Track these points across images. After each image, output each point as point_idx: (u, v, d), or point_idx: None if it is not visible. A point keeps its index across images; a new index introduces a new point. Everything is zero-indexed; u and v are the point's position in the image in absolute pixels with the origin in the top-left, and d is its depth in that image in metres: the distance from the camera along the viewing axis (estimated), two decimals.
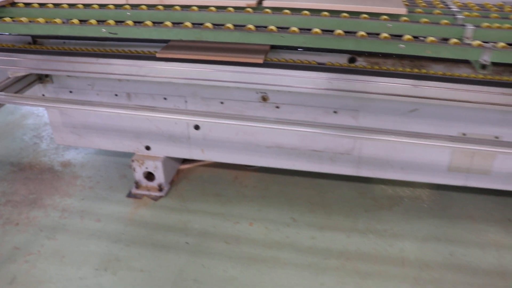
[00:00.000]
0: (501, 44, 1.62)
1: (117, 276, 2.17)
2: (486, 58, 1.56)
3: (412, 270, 2.24)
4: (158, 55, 1.97)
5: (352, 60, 2.14)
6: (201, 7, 2.06)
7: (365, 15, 1.87)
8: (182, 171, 2.95)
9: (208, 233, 2.44)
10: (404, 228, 2.51)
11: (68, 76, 2.44)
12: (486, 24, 1.83)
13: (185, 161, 2.99)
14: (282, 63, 1.95)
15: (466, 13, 2.13)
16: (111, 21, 1.92)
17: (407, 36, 1.76)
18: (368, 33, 1.80)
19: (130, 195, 2.71)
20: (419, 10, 2.18)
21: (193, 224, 2.50)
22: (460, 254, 2.35)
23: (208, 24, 1.88)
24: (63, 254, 2.28)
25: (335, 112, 2.30)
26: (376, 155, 2.41)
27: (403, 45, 1.63)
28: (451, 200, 2.74)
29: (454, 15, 2.12)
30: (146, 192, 2.70)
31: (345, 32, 1.83)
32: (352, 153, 2.43)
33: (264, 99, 2.33)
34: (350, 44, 1.70)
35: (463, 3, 2.46)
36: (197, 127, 2.51)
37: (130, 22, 1.86)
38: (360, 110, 2.28)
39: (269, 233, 2.45)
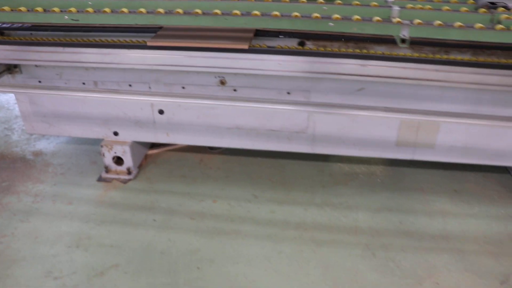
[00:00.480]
0: (417, 21, 1.83)
1: (88, 251, 2.32)
2: (405, 33, 1.77)
3: (364, 237, 2.45)
4: (149, 43, 2.14)
5: (301, 44, 2.34)
6: None
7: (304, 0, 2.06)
8: (150, 156, 3.10)
9: (174, 211, 2.60)
10: (358, 201, 2.71)
11: (36, 66, 2.57)
12: (410, 5, 2.04)
13: (153, 146, 3.15)
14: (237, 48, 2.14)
15: None
16: (73, 9, 2.07)
17: (336, 16, 1.96)
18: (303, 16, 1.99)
19: (100, 179, 2.86)
20: None
21: (160, 203, 2.66)
22: (409, 222, 2.57)
23: (161, 10, 2.06)
24: (36, 235, 2.42)
25: (288, 93, 2.49)
26: (329, 132, 2.61)
27: (332, 23, 1.82)
28: (403, 175, 2.97)
29: None
30: (116, 176, 2.85)
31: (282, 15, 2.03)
32: (307, 131, 2.62)
33: (222, 83, 2.51)
34: (285, 24, 1.89)
35: None
36: (161, 112, 2.67)
37: (90, 10, 2.01)
38: (312, 91, 2.47)
39: (231, 209, 2.63)
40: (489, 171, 2.99)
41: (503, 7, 2.12)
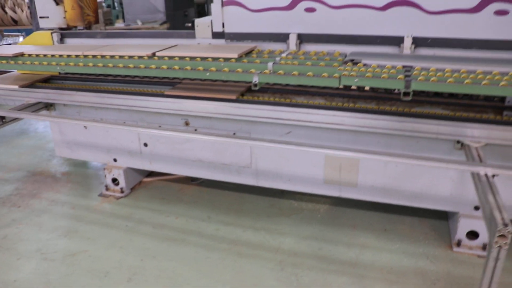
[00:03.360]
0: (266, 71, 2.55)
1: (71, 240, 3.22)
2: (256, 79, 2.50)
3: (281, 256, 3.01)
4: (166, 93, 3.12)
5: (243, 94, 3.15)
6: (121, 56, 3.15)
7: (210, 59, 2.85)
8: (144, 182, 4.02)
9: (143, 221, 3.43)
10: (292, 230, 3.29)
11: (64, 105, 3.70)
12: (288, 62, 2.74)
13: (149, 175, 4.06)
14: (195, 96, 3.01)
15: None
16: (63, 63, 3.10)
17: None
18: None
19: (101, 194, 3.82)
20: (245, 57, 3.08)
21: (136, 215, 3.51)
22: (327, 249, 3.07)
23: (131, 65, 3.02)
24: (41, 226, 3.40)
25: (234, 133, 3.27)
26: (268, 168, 3.29)
27: (208, 73, 2.60)
28: (343, 213, 3.47)
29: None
30: (112, 193, 3.80)
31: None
32: (251, 166, 3.33)
33: (187, 123, 3.38)
34: (180, 74, 2.71)
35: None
36: (146, 145, 3.60)
37: (80, 64, 3.04)
38: (252, 132, 3.22)
39: (187, 224, 3.37)
40: (427, 217, 3.36)
41: (359, 63, 2.68)
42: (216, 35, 3.27)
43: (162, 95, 3.11)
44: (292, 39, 3.00)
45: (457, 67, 2.49)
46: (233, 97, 2.89)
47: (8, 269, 2.94)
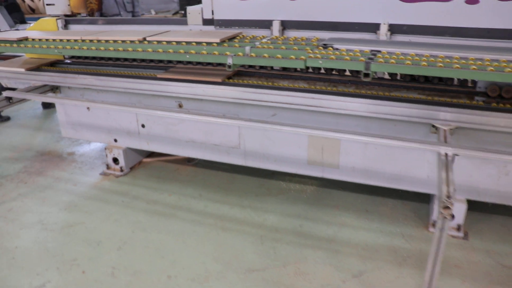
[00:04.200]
0: (239, 53, 2.72)
1: (71, 213, 3.49)
2: (230, 61, 2.68)
3: (263, 231, 3.20)
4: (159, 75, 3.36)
5: (230, 77, 3.34)
6: (115, 41, 3.39)
7: (194, 43, 3.04)
8: (144, 163, 4.27)
9: (138, 197, 3.67)
10: (277, 208, 3.47)
11: (69, 88, 3.96)
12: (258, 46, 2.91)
13: (149, 155, 4.31)
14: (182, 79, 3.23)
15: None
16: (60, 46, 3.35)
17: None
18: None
19: (102, 173, 4.09)
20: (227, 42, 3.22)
21: (132, 192, 3.76)
22: (308, 227, 3.25)
23: (120, 48, 3.24)
24: (44, 200, 3.69)
25: (223, 115, 3.46)
26: (255, 149, 3.48)
27: (188, 56, 2.80)
28: (328, 194, 3.64)
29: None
30: (112, 172, 4.06)
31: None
32: (240, 147, 3.53)
33: (180, 106, 3.59)
34: (163, 56, 2.91)
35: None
36: (143, 126, 3.83)
37: (76, 47, 3.28)
38: (239, 114, 3.41)
39: (178, 201, 3.60)
40: (410, 200, 3.50)
41: (331, 47, 2.83)
42: (206, 22, 3.47)
43: (154, 78, 3.33)
44: (275, 26, 3.17)
45: (425, 52, 2.62)
46: (219, 80, 3.08)
47: (11, 237, 3.23)
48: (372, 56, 2.48)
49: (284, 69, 3.17)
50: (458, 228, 3.12)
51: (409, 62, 2.30)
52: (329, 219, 3.33)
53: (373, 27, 2.94)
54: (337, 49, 2.69)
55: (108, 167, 4.10)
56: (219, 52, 2.78)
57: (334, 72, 3.08)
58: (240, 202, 3.56)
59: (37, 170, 4.23)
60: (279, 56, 2.59)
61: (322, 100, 2.92)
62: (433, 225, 3.18)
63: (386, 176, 3.20)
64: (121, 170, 4.05)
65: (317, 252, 2.98)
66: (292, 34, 3.22)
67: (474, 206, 3.36)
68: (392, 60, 2.34)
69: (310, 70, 3.16)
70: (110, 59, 3.74)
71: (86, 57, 3.90)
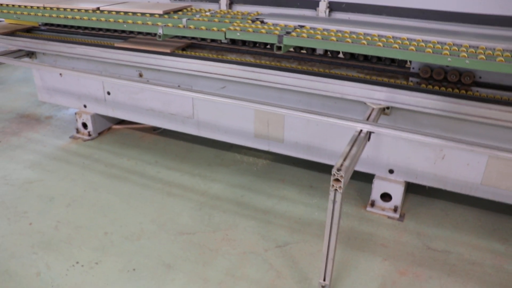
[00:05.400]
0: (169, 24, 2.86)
1: (33, 171, 3.75)
2: (160, 31, 2.81)
3: (205, 198, 3.38)
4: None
5: (183, 49, 3.48)
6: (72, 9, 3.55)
7: (139, 14, 3.19)
8: (113, 129, 4.49)
9: (99, 160, 3.90)
10: (225, 178, 3.64)
11: (43, 54, 4.19)
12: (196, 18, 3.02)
13: (120, 123, 4.53)
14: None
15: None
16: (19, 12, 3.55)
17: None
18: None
19: (71, 136, 4.34)
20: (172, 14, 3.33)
21: (94, 155, 3.99)
22: (248, 197, 3.40)
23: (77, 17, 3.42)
24: (12, 158, 3.96)
25: (178, 86, 3.61)
26: (208, 120, 3.63)
27: (126, 25, 2.95)
28: (279, 169, 3.77)
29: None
30: (81, 136, 4.30)
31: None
32: (193, 117, 3.68)
33: (140, 75, 3.76)
34: (104, 24, 3.07)
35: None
36: (109, 93, 4.03)
37: (35, 14, 3.47)
38: (193, 85, 3.56)
39: (135, 166, 3.81)
40: (357, 180, 3.59)
41: (261, 21, 2.92)
42: None
43: (112, 47, 3.50)
44: (223, 0, 3.28)
45: (346, 28, 2.69)
46: (168, 50, 3.23)
47: None
48: (290, 30, 2.57)
49: (233, 42, 3.28)
50: (395, 209, 3.21)
51: (319, 37, 2.38)
52: (272, 191, 3.47)
53: (313, 4, 3.01)
54: (265, 23, 2.79)
55: (77, 131, 4.34)
56: (152, 23, 2.94)
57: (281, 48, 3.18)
58: (192, 170, 3.74)
59: (12, 131, 4.51)
60: (203, 27, 2.71)
61: (261, 74, 3.04)
62: (371, 204, 3.28)
63: (328, 153, 3.30)
64: (89, 135, 4.28)
65: (249, 222, 3.13)
66: (239, 8, 3.33)
67: (418, 190, 3.45)
68: (304, 35, 2.42)
69: (258, 45, 3.27)
70: (79, 27, 3.93)
71: (58, 25, 4.11)
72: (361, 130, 2.51)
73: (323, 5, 2.93)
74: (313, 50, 3.18)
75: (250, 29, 2.56)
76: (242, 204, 3.32)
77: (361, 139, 2.44)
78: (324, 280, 2.40)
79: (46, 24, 4.18)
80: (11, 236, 2.99)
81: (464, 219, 3.19)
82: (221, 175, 3.68)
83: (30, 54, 4.26)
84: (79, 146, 4.18)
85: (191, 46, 3.42)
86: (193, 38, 3.32)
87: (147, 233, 3.01)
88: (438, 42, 2.53)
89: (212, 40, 3.33)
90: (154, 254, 2.81)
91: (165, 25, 2.83)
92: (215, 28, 2.64)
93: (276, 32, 2.51)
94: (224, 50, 3.36)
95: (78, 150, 4.09)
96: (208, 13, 3.15)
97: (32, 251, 2.84)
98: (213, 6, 3.42)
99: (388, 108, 2.91)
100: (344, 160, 2.21)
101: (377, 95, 2.80)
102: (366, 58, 2.99)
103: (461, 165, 2.92)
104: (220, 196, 3.41)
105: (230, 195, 3.43)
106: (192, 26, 2.78)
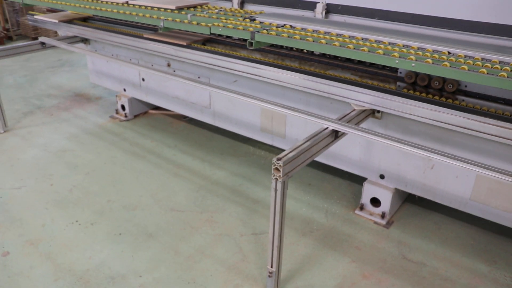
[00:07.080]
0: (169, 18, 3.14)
1: (70, 142, 4.32)
2: (161, 24, 3.11)
3: (205, 182, 3.66)
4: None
5: (203, 43, 3.80)
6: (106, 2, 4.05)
7: (155, 8, 3.53)
8: (149, 113, 4.95)
9: (126, 139, 4.36)
10: (231, 167, 3.89)
11: (95, 41, 4.76)
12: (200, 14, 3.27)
13: (155, 108, 4.98)
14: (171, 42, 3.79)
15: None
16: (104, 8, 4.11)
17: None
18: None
19: (111, 116, 4.87)
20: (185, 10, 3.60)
21: (124, 134, 4.47)
22: (245, 187, 3.62)
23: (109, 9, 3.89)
24: (56, 129, 4.58)
25: (198, 77, 3.94)
26: (222, 111, 3.91)
27: (137, 18, 3.29)
28: None
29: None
30: (119, 117, 4.82)
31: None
32: (210, 107, 3.98)
33: (169, 65, 4.15)
34: (122, 16, 3.45)
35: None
36: (143, 80, 4.48)
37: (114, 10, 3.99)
38: (211, 78, 3.86)
39: (155, 147, 4.21)
40: (357, 182, 3.64)
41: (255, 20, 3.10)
42: None
43: (141, 37, 3.93)
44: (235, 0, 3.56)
45: (333, 30, 2.80)
46: (184, 43, 3.56)
47: (19, 151, 4.15)
48: (267, 28, 2.76)
49: (244, 40, 3.52)
50: (383, 216, 3.24)
51: (297, 36, 2.54)
52: (269, 184, 3.65)
53: (312, 5, 3.15)
54: (260, 22, 3.00)
55: (116, 112, 4.87)
56: (150, 15, 3.31)
57: (283, 47, 3.38)
58: (204, 157, 4.05)
59: (65, 106, 5.17)
60: (194, 22, 3.00)
61: (261, 70, 3.24)
62: (361, 208, 3.33)
63: (325, 153, 3.40)
64: (126, 116, 4.78)
65: (237, 208, 3.35)
66: (250, 8, 3.56)
67: (416, 200, 3.42)
68: (273, 32, 2.60)
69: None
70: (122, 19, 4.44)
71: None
72: (326, 128, 2.61)
73: (320, 7, 3.06)
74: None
75: (230, 25, 2.80)
76: (237, 191, 3.55)
77: (322, 136, 2.52)
78: (272, 266, 2.55)
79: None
80: (33, 192, 3.51)
81: (456, 235, 3.12)
82: (228, 164, 3.94)
83: (85, 40, 4.86)
84: (114, 125, 4.69)
85: (209, 41, 3.72)
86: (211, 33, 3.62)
87: (143, 205, 3.36)
88: (418, 48, 2.56)
89: (227, 37, 3.61)
90: (142, 224, 3.16)
91: (166, 19, 3.17)
92: (203, 24, 2.92)
93: (251, 29, 2.72)
94: (236, 46, 3.61)
95: (112, 129, 4.60)
96: (215, 11, 3.44)
97: (44, 207, 3.33)
98: (226, 5, 3.70)
99: (378, 112, 2.97)
100: (291, 152, 2.36)
101: (361, 97, 2.86)
102: (360, 61, 3.07)
103: (450, 177, 2.88)
104: (220, 182, 3.67)
105: (229, 182, 3.68)
106: (194, 22, 3.07)
